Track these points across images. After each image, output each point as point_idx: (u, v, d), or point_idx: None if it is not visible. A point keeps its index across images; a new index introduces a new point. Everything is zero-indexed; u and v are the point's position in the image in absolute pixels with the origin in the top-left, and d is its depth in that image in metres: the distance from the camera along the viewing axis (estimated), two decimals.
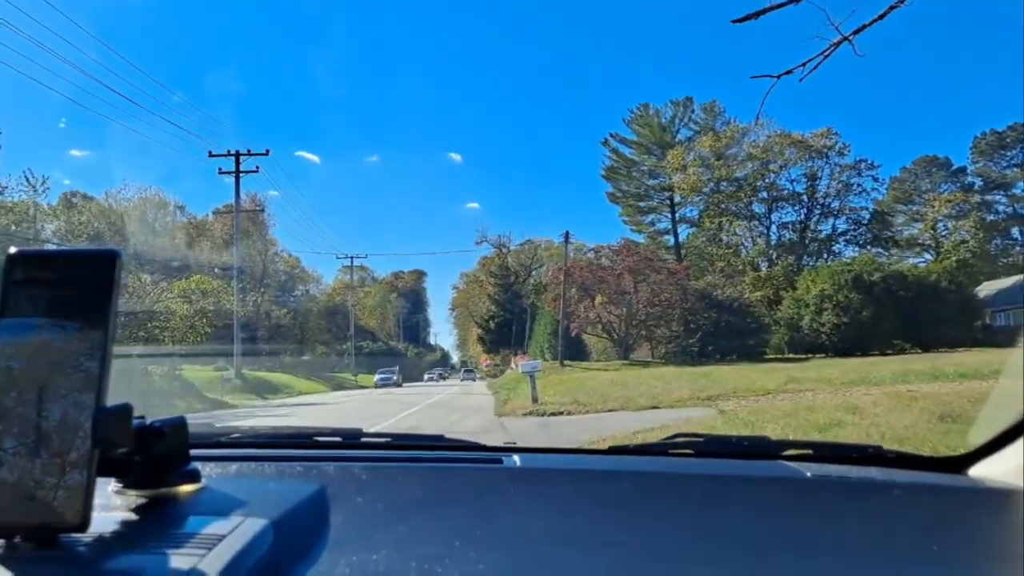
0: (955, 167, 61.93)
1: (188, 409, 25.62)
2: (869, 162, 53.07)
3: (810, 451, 1.55)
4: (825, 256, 52.62)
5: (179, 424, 1.09)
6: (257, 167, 39.50)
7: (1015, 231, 62.15)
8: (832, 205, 53.76)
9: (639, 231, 62.25)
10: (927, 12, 62.22)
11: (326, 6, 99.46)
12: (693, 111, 61.21)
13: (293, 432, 1.86)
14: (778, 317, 41.50)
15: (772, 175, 53.20)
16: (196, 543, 0.90)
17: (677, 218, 61.68)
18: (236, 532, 0.94)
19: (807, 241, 53.16)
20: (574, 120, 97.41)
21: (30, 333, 0.90)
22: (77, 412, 0.88)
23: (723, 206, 54.14)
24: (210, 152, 39.11)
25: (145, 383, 26.36)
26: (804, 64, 9.74)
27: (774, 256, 52.34)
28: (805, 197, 53.43)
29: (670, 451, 1.62)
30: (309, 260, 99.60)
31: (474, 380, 58.99)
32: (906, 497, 1.27)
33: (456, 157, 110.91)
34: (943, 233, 56.63)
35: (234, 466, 1.38)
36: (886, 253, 53.96)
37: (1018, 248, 61.32)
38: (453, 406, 22.29)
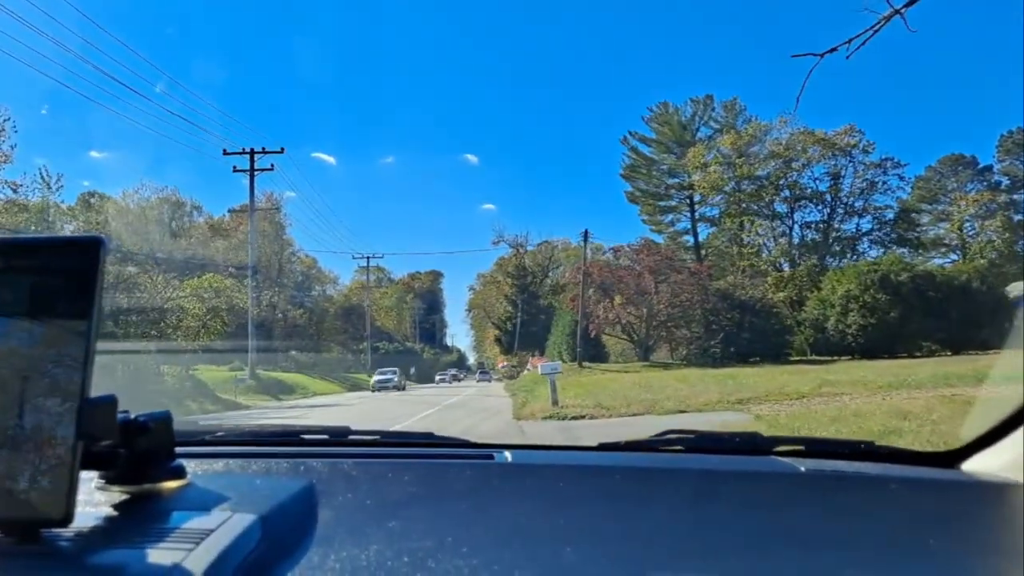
0: (981, 166, 60.53)
1: (200, 410, 25.31)
2: (895, 160, 51.80)
3: (802, 447, 1.53)
4: (849, 256, 51.49)
5: (165, 419, 1.07)
6: (272, 165, 39.19)
7: None
8: (856, 204, 52.61)
9: (658, 231, 61.43)
10: (952, 6, 60.92)
11: (341, 8, 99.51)
12: (714, 109, 60.36)
13: (280, 430, 1.87)
14: (802, 318, 40.46)
15: (795, 173, 52.13)
16: (182, 538, 0.89)
17: (697, 217, 60.80)
18: (223, 527, 0.92)
19: (830, 241, 52.04)
20: (590, 121, 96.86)
21: (12, 323, 0.89)
22: (61, 403, 0.86)
23: (744, 205, 53.16)
24: (224, 150, 38.87)
25: (157, 383, 26.02)
26: (850, 41, 9.06)
27: (796, 256, 51.24)
28: (828, 196, 52.32)
29: (661, 447, 1.61)
30: (326, 261, 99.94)
31: (489, 381, 58.62)
32: (901, 492, 1.26)
33: (472, 158, 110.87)
34: (969, 233, 55.40)
35: (220, 463, 1.35)
36: (912, 253, 52.69)
37: None
38: (469, 408, 21.65)
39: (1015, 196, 58.41)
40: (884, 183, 52.06)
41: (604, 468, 1.46)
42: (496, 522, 1.11)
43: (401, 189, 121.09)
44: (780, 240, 53.16)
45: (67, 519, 0.86)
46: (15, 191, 32.31)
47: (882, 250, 51.08)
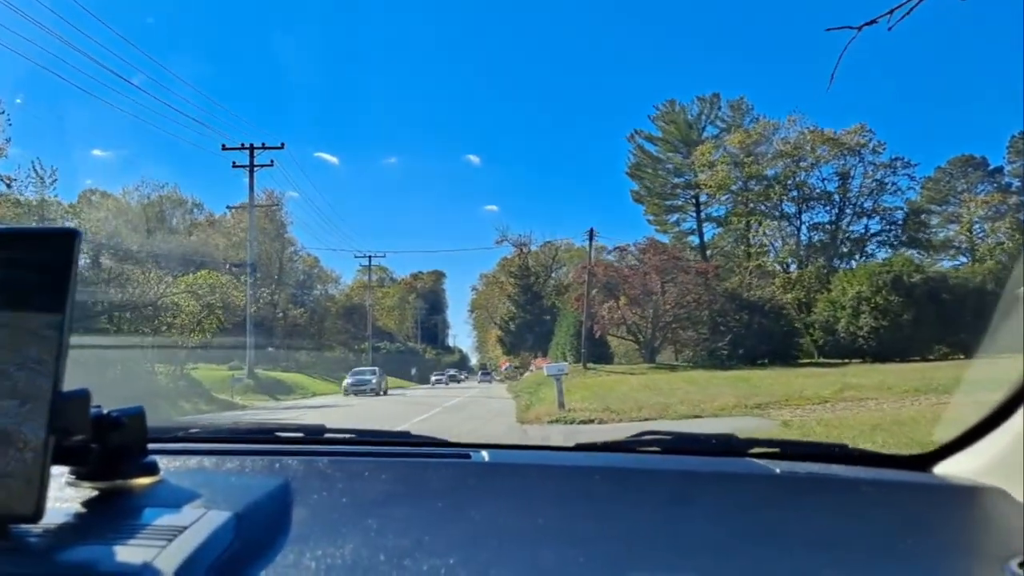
0: (992, 167, 59.57)
1: (194, 410, 24.65)
2: (905, 160, 50.95)
3: (777, 449, 1.53)
4: (858, 257, 50.66)
5: (138, 414, 1.06)
6: (272, 161, 38.54)
7: None
8: (865, 205, 51.76)
9: (664, 231, 60.52)
10: (963, 6, 60.03)
11: (344, 9, 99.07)
12: (720, 108, 59.45)
13: (255, 427, 1.92)
14: (812, 320, 39.62)
15: (803, 173, 51.30)
16: (155, 535, 0.89)
17: (703, 217, 59.92)
18: (197, 524, 0.92)
19: (838, 242, 51.20)
20: (593, 121, 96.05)
21: None
22: (32, 398, 0.85)
23: (751, 205, 52.34)
24: (224, 145, 38.21)
25: (149, 382, 25.36)
26: (891, 12, 8.30)
27: (804, 257, 50.38)
28: (837, 196, 51.47)
29: (638, 448, 1.62)
30: (328, 260, 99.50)
31: (491, 382, 58.22)
32: (874, 494, 1.27)
33: (474, 159, 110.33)
34: (979, 235, 54.53)
35: (194, 460, 1.34)
36: (922, 255, 51.80)
37: None
38: (470, 411, 20.83)
39: None
40: (894, 183, 51.27)
41: (581, 468, 1.45)
42: (473, 522, 1.10)
43: (404, 190, 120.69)
44: (788, 241, 52.36)
45: (37, 515, 0.85)
46: (9, 185, 31.59)
47: (891, 251, 50.29)
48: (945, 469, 1.37)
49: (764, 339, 37.17)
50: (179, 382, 27.69)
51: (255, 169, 38.20)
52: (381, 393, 35.28)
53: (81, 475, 1.05)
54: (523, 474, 1.41)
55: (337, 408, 24.22)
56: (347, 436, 1.70)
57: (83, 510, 1.00)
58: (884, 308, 34.98)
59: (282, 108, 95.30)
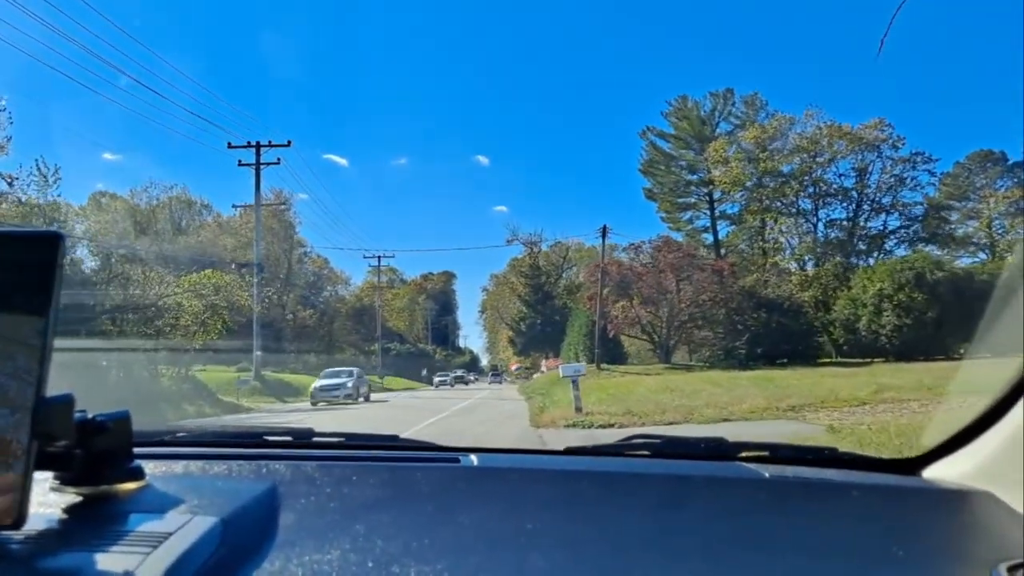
0: (1011, 162, 58.22)
1: (197, 413, 24.03)
2: (926, 155, 49.76)
3: (767, 452, 1.53)
4: (876, 254, 49.52)
5: (123, 419, 1.03)
6: (279, 159, 37.92)
7: None
8: (883, 200, 50.61)
9: (677, 228, 59.45)
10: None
11: (350, 11, 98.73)
12: (734, 103, 58.37)
13: (242, 431, 1.83)
14: (832, 318, 38.52)
15: (819, 169, 50.19)
16: (140, 541, 0.88)
17: (716, 215, 58.85)
18: (183, 530, 0.92)
19: (855, 239, 50.06)
20: (602, 121, 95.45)
21: None
22: (14, 402, 0.85)
23: (767, 202, 51.28)
24: (229, 143, 37.58)
25: (152, 384, 24.72)
26: None
27: (822, 254, 49.24)
28: (854, 193, 50.33)
29: (627, 452, 1.60)
30: (339, 262, 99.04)
31: (501, 384, 57.88)
32: (863, 498, 1.27)
33: (483, 160, 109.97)
34: (999, 232, 53.27)
35: (180, 464, 1.32)
36: (942, 251, 50.57)
37: None
38: (480, 415, 19.95)
39: None
40: (914, 179, 50.12)
41: (570, 472, 1.44)
42: (462, 526, 1.09)
43: (413, 191, 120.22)
44: (805, 238, 51.25)
45: (19, 522, 0.84)
46: (11, 184, 30.99)
47: (909, 248, 49.12)
48: (934, 473, 1.36)
49: (783, 338, 36.18)
50: (183, 384, 27.06)
51: (261, 167, 37.59)
52: (360, 399, 29.50)
53: (65, 480, 1.02)
54: (512, 478, 1.39)
55: (339, 411, 23.44)
56: (335, 440, 1.68)
57: (67, 516, 0.98)
58: (907, 306, 33.89)
59: (291, 110, 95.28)
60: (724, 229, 59.05)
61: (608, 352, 41.11)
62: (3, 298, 0.85)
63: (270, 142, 37.43)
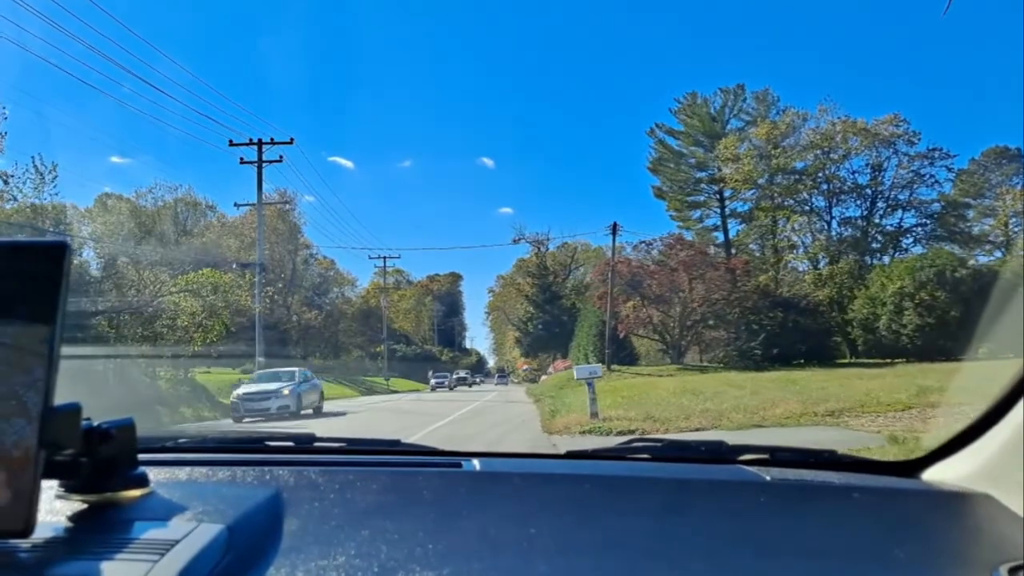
0: None
1: (195, 416, 23.30)
2: (944, 151, 48.55)
3: (767, 456, 1.52)
4: (892, 252, 48.33)
5: (128, 426, 1.04)
6: (281, 157, 37.04)
7: None
8: (899, 197, 49.42)
9: (686, 227, 58.18)
10: None
11: (355, 15, 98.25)
12: (745, 99, 57.17)
13: (244, 437, 1.82)
14: (849, 317, 37.38)
15: (833, 166, 49.03)
16: (147, 549, 0.89)
17: (727, 213, 57.69)
18: (189, 537, 0.92)
19: (870, 237, 48.87)
20: (608, 120, 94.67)
21: None
22: (22, 412, 0.85)
23: (779, 200, 50.13)
24: (231, 141, 36.66)
25: (148, 388, 23.92)
26: None
27: (835, 252, 48.03)
28: (869, 190, 49.15)
29: (628, 456, 1.60)
30: (345, 263, 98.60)
31: (507, 384, 57.76)
32: (863, 500, 1.27)
33: (488, 162, 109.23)
34: (1015, 230, 52.04)
35: (184, 471, 1.31)
36: (960, 249, 49.34)
37: None
38: (487, 418, 18.94)
39: None
40: (931, 175, 48.91)
41: (572, 476, 1.43)
42: (465, 532, 1.10)
43: (419, 193, 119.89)
44: (818, 236, 50.08)
45: (27, 530, 0.84)
46: (6, 182, 30.17)
47: (925, 245, 47.93)
48: (933, 475, 1.35)
49: (800, 338, 35.09)
50: (181, 387, 26.29)
51: (264, 166, 36.74)
52: (307, 411, 22.87)
53: (70, 488, 1.02)
54: (514, 483, 1.39)
55: (339, 417, 22.44)
56: (337, 445, 1.67)
57: (73, 524, 0.98)
58: (930, 305, 32.75)
59: (296, 112, 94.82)
60: (735, 228, 58.05)
61: (618, 353, 40.02)
62: (10, 307, 0.85)
63: (272, 139, 36.58)
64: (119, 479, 1.04)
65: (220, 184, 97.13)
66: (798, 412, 11.44)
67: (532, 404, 24.11)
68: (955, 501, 1.24)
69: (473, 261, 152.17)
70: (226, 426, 19.08)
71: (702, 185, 58.55)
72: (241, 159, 36.75)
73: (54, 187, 32.60)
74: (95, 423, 0.99)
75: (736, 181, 51.77)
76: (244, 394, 21.97)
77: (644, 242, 42.37)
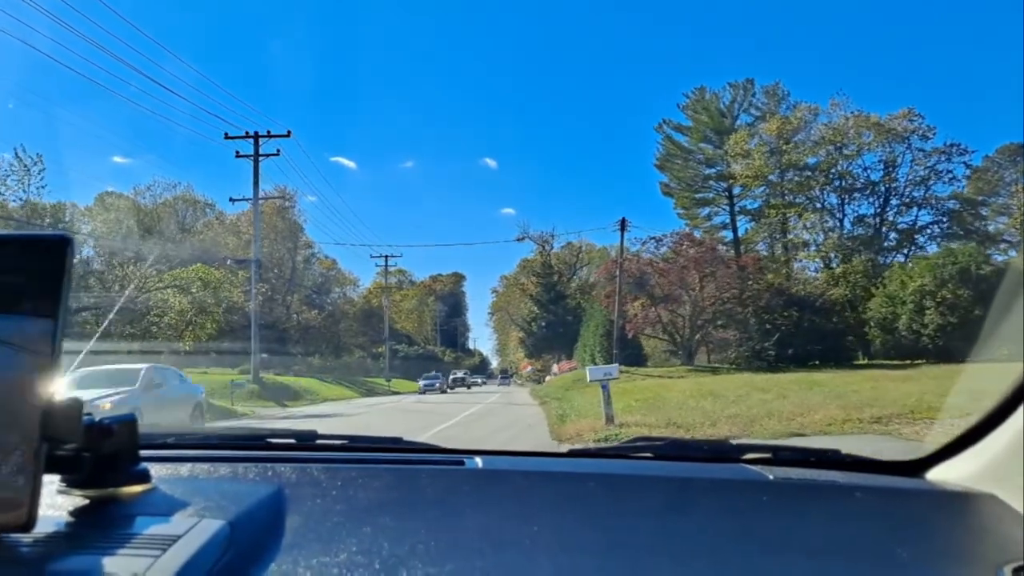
0: None
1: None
2: (961, 147, 47.10)
3: (770, 455, 1.51)
4: (907, 250, 46.97)
5: (129, 422, 1.04)
6: (278, 150, 35.80)
7: None
8: (915, 194, 48.04)
9: (695, 225, 56.87)
10: None
11: (358, 15, 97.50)
12: (754, 94, 55.87)
13: (246, 433, 1.84)
14: (867, 317, 36.04)
15: (845, 162, 47.66)
16: (148, 544, 0.89)
17: (736, 210, 56.36)
18: (191, 533, 0.92)
19: (883, 234, 47.50)
20: (613, 119, 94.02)
21: None
22: (24, 405, 0.85)
23: (789, 196, 48.81)
24: (226, 134, 35.41)
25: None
26: None
27: (848, 250, 46.65)
28: (882, 186, 47.77)
29: (631, 454, 1.59)
30: (348, 263, 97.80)
31: (509, 385, 57.42)
32: (867, 500, 1.26)
33: (491, 162, 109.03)
34: None
35: (185, 467, 1.31)
36: (976, 247, 47.94)
37: None
38: (492, 422, 17.72)
39: None
40: (948, 171, 47.48)
41: (574, 475, 1.42)
42: (468, 529, 1.09)
43: (421, 194, 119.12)
44: (830, 234, 48.72)
45: (29, 525, 0.84)
46: None
47: (940, 243, 46.54)
48: (938, 475, 1.35)
49: (816, 338, 33.79)
50: None
51: (261, 160, 35.56)
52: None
53: (72, 483, 1.02)
54: (517, 481, 1.38)
55: (336, 418, 21.27)
56: (339, 443, 1.66)
57: (75, 519, 0.98)
58: (952, 303, 31.41)
59: (299, 111, 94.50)
60: (743, 225, 56.74)
61: (626, 353, 38.70)
62: (12, 302, 0.84)
63: (269, 132, 35.35)
64: (121, 474, 1.02)
65: (223, 184, 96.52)
66: (840, 419, 10.18)
67: (537, 406, 22.92)
68: (959, 501, 1.23)
69: (476, 262, 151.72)
70: (215, 426, 17.91)
71: (710, 182, 57.30)
72: (237, 153, 35.57)
73: (41, 180, 31.51)
74: (97, 418, 0.97)
75: (746, 177, 50.48)
76: (90, 397, 17.96)
77: (653, 238, 41.06)
